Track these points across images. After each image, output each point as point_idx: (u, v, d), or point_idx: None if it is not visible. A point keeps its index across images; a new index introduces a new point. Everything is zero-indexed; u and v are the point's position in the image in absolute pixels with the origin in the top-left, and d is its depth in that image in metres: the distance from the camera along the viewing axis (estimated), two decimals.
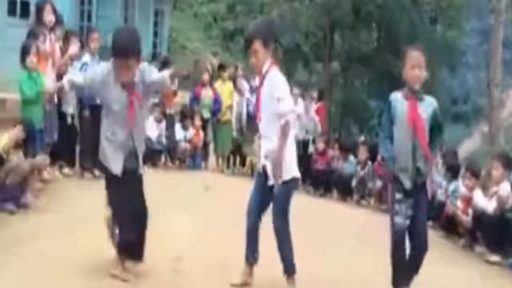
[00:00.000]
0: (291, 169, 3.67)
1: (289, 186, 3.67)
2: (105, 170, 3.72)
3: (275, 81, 3.59)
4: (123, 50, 3.48)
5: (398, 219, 3.75)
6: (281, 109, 3.52)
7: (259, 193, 3.75)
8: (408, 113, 3.75)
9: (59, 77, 6.16)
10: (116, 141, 3.66)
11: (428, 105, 3.81)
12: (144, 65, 3.70)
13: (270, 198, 3.68)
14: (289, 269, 3.71)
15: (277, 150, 3.56)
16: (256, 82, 3.66)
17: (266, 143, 3.65)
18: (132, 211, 3.66)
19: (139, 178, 3.77)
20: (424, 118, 3.76)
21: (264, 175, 3.69)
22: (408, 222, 3.75)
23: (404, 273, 3.81)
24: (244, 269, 3.83)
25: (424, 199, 3.83)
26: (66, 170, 6.54)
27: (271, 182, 3.64)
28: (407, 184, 3.75)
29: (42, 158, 5.29)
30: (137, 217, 3.70)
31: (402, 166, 3.76)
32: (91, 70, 4.07)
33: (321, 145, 9.24)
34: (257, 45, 3.51)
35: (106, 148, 3.68)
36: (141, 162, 3.77)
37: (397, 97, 3.82)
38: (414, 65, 3.74)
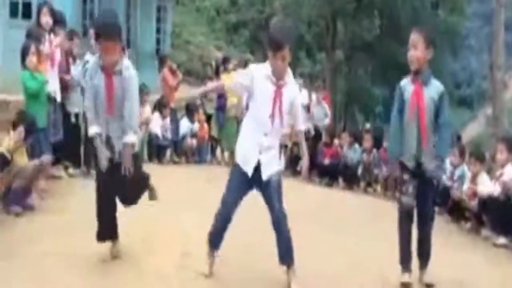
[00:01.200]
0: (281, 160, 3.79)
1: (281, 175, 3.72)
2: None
3: (296, 90, 3.77)
4: (106, 31, 3.50)
5: (405, 199, 3.85)
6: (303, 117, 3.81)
7: (240, 188, 3.67)
8: (412, 96, 3.79)
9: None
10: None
11: (433, 89, 3.81)
12: (131, 70, 3.67)
13: (246, 193, 3.69)
14: (291, 260, 3.66)
15: (306, 152, 3.86)
16: (271, 80, 3.60)
17: (268, 140, 3.61)
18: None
19: (116, 168, 3.72)
20: (428, 102, 3.77)
21: (254, 169, 3.59)
22: (413, 200, 3.84)
23: (408, 251, 3.89)
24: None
25: (428, 182, 3.86)
26: (71, 170, 6.49)
27: (265, 176, 3.58)
28: (410, 164, 3.82)
29: (45, 158, 5.21)
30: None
31: (407, 147, 3.82)
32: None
33: (327, 137, 9.17)
34: (286, 51, 3.52)
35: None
36: (118, 152, 3.73)
37: (406, 82, 3.89)
38: (410, 46, 3.78)
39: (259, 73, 3.59)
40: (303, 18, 21.19)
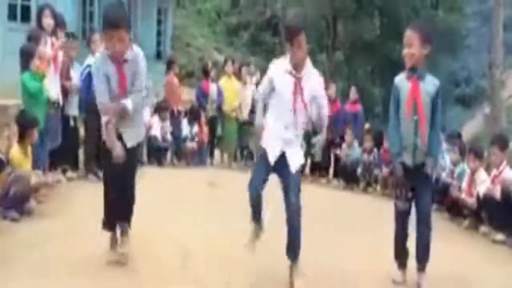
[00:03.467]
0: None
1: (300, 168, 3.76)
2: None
3: (318, 80, 3.69)
4: (114, 21, 3.47)
5: (400, 204, 3.88)
6: (325, 105, 3.72)
7: (264, 171, 3.67)
8: (409, 92, 3.76)
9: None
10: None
11: (429, 84, 3.78)
12: (141, 55, 3.65)
13: (269, 174, 3.68)
14: (298, 254, 3.64)
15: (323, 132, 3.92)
16: (290, 73, 3.59)
17: (290, 133, 3.62)
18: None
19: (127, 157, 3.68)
20: (425, 97, 3.74)
21: (277, 161, 3.62)
22: (408, 204, 3.85)
23: (403, 249, 3.96)
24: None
25: (426, 180, 3.82)
26: (70, 173, 6.43)
27: (293, 169, 3.61)
28: (408, 161, 3.80)
29: (50, 180, 5.19)
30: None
31: (405, 144, 3.79)
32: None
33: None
34: (302, 36, 3.49)
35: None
36: (127, 142, 3.69)
37: (401, 79, 3.84)
38: (405, 44, 3.75)
39: (277, 69, 3.62)
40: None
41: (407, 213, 3.88)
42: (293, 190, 3.57)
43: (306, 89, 3.57)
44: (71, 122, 6.42)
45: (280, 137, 3.61)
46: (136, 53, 3.64)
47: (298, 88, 3.55)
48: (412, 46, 3.70)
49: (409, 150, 3.78)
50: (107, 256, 3.84)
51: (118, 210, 3.85)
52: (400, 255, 3.99)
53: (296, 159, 3.63)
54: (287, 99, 3.56)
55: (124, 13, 3.61)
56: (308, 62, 3.62)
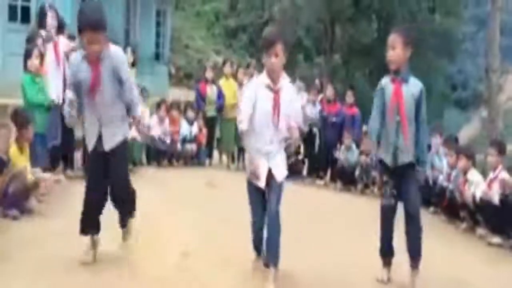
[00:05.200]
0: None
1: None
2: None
3: (292, 92, 3.75)
4: (93, 24, 3.47)
5: (384, 200, 3.95)
6: (309, 116, 3.70)
7: (260, 203, 3.74)
8: (392, 94, 3.85)
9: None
10: (89, 118, 3.72)
11: (413, 86, 3.87)
12: (117, 52, 3.67)
13: (265, 204, 3.72)
14: (278, 259, 3.65)
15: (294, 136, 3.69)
16: (268, 87, 3.64)
17: (273, 147, 3.67)
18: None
19: (107, 157, 3.73)
20: (409, 99, 3.83)
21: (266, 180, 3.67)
22: (393, 201, 3.92)
23: (388, 246, 4.02)
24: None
25: (412, 180, 3.88)
26: (69, 172, 6.44)
27: (279, 179, 3.67)
28: (389, 161, 3.89)
29: (48, 176, 5.19)
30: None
31: (387, 144, 3.88)
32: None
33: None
34: (279, 48, 3.56)
35: (84, 125, 3.78)
36: (109, 143, 3.72)
37: (386, 81, 3.93)
38: (388, 46, 3.84)
39: (258, 83, 3.66)
40: (301, 22, 21.18)
41: (392, 210, 3.93)
42: (275, 198, 3.64)
43: (283, 101, 3.62)
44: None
45: (263, 151, 3.63)
46: (113, 51, 3.64)
47: (276, 102, 3.60)
48: (396, 49, 3.80)
49: (390, 151, 3.86)
50: (83, 257, 3.81)
51: (119, 207, 3.90)
52: (385, 253, 4.04)
53: (280, 171, 3.68)
54: (268, 114, 3.59)
55: (102, 15, 3.55)
56: (284, 74, 3.67)
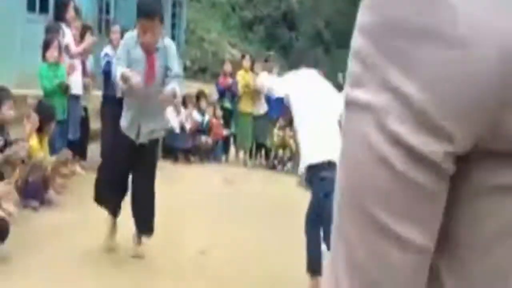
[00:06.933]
0: None
1: None
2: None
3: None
4: (150, 11, 3.52)
5: None
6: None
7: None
8: None
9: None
10: (131, 109, 3.75)
11: None
12: (171, 44, 3.76)
13: None
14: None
15: None
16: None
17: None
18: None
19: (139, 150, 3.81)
20: None
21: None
22: None
23: None
24: None
25: None
26: (83, 163, 6.61)
27: None
28: None
29: (65, 153, 5.36)
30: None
31: None
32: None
33: None
34: None
35: (123, 117, 3.80)
36: (146, 136, 3.80)
37: None
38: None
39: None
40: (321, 14, 21.18)
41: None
42: None
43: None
44: (82, 113, 6.59)
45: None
46: (167, 42, 3.76)
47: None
48: None
49: None
50: (106, 242, 3.97)
51: (138, 215, 3.97)
52: None
53: None
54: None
55: (159, 2, 3.67)
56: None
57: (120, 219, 4.11)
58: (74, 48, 6.16)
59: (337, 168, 0.83)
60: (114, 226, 4.05)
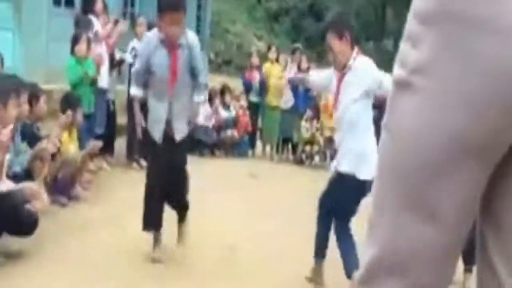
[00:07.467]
0: None
1: None
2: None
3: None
4: (174, 2, 3.50)
5: None
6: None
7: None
8: None
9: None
10: (157, 108, 3.75)
11: None
12: (195, 38, 3.73)
13: None
14: None
15: None
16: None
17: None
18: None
19: (176, 147, 3.81)
20: None
21: None
22: None
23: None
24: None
25: None
26: (110, 158, 6.65)
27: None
28: None
29: (94, 144, 5.43)
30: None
31: None
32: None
33: None
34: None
35: (150, 114, 3.82)
36: (178, 134, 3.80)
37: None
38: None
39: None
40: (351, 6, 20.96)
41: None
42: None
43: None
44: (111, 107, 6.61)
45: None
46: (190, 37, 3.70)
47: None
48: None
49: None
50: (152, 254, 3.93)
51: (172, 202, 3.98)
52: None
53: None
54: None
55: None
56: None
57: None
58: (102, 32, 6.19)
59: (381, 143, 0.90)
60: (158, 239, 4.00)
